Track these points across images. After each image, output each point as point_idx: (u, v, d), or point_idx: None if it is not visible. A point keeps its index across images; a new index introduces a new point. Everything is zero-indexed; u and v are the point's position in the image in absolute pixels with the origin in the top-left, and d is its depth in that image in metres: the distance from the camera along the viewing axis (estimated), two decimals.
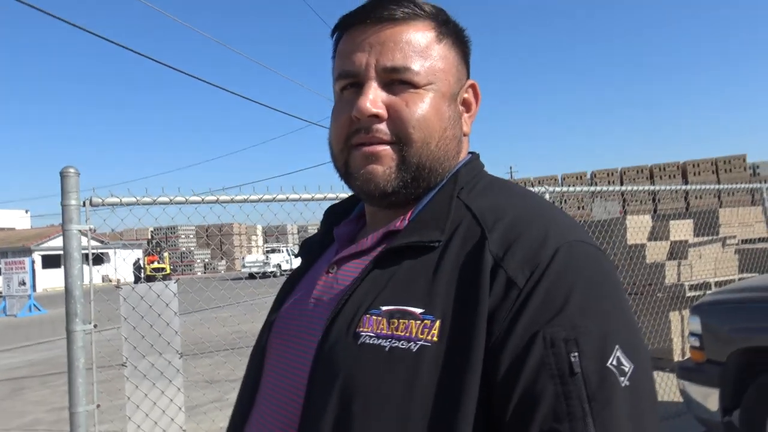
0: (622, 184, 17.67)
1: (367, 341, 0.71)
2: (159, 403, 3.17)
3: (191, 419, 4.83)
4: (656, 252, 6.87)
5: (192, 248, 45.83)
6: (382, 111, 0.80)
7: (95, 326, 2.88)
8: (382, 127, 0.80)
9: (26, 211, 52.84)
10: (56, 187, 2.77)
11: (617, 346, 0.64)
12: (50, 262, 36.38)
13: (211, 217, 3.89)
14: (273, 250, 35.14)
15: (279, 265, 32.27)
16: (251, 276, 27.17)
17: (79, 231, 2.85)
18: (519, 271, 0.67)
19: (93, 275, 3.02)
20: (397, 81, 0.80)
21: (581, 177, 19.10)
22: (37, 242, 35.77)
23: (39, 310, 20.47)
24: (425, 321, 0.69)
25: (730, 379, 3.48)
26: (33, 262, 22.29)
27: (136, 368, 3.13)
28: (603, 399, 0.61)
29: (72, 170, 2.85)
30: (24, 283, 20.95)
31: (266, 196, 3.57)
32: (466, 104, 0.89)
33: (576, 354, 0.62)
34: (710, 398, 3.53)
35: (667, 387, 5.51)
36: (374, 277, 0.77)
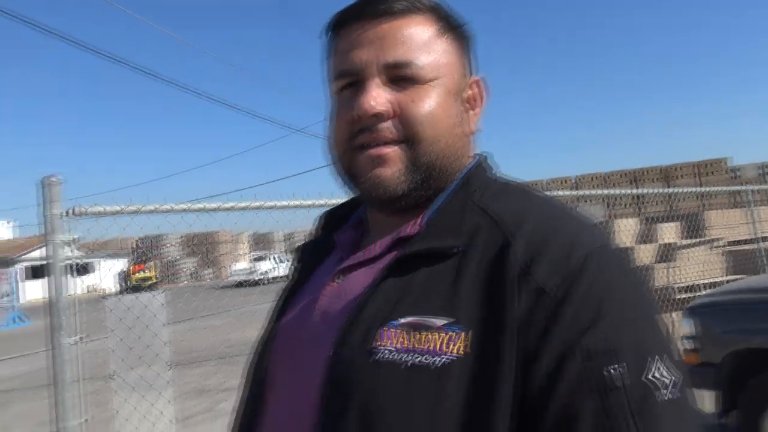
0: (606, 189, 17.74)
1: (386, 357, 0.65)
2: (149, 415, 3.10)
3: (182, 430, 4.75)
4: (645, 255, 6.89)
5: (178, 257, 45.49)
6: (387, 109, 0.75)
7: (81, 338, 2.81)
8: (388, 125, 0.76)
9: (8, 222, 52.21)
10: (40, 196, 2.70)
11: (657, 358, 0.60)
12: (35, 272, 35.90)
13: (198, 226, 3.83)
14: (260, 258, 34.93)
15: (266, 273, 32.08)
16: (239, 284, 27.03)
17: (63, 241, 2.78)
18: (548, 279, 0.63)
19: (77, 286, 2.95)
20: (400, 77, 0.76)
21: (566, 181, 19.18)
22: (20, 253, 35.28)
23: (24, 321, 20.16)
24: (450, 333, 0.64)
25: (725, 381, 3.47)
26: (16, 273, 21.98)
27: (124, 380, 3.06)
28: (647, 413, 0.57)
29: (55, 179, 2.79)
30: (8, 295, 20.64)
31: (253, 204, 3.52)
32: (471, 101, 0.85)
33: (616, 367, 0.58)
34: (706, 400, 3.51)
35: None
36: (388, 286, 0.71)
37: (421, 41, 0.77)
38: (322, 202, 3.66)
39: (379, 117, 0.75)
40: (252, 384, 0.85)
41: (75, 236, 2.85)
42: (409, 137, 0.76)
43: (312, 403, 0.70)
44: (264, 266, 32.74)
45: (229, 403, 6.51)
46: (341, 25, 0.81)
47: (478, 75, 0.87)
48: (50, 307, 2.76)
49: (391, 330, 0.67)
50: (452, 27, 0.82)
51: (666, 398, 0.59)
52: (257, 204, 3.49)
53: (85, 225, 3.12)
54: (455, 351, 0.63)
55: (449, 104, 0.79)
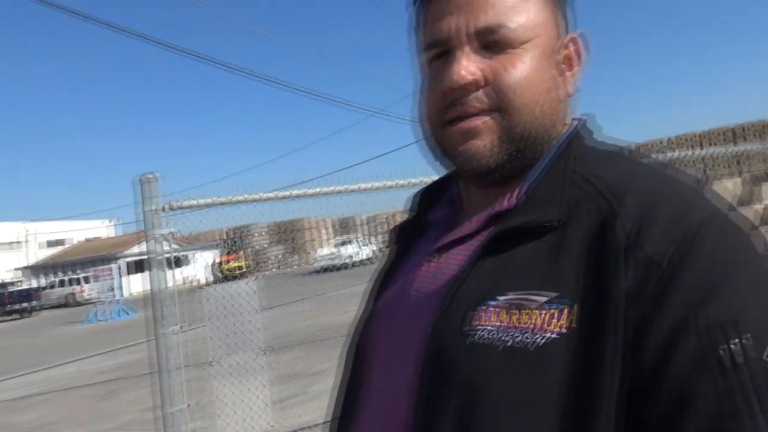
0: (701, 148, 16.77)
1: (484, 337, 0.63)
2: (246, 399, 3.20)
3: (277, 414, 4.90)
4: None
5: (266, 245, 46.96)
6: (478, 77, 0.71)
7: (181, 327, 2.93)
8: (479, 95, 0.71)
9: (110, 221, 55.87)
10: (137, 196, 2.82)
11: None
12: (137, 266, 38.23)
13: (283, 214, 3.89)
14: (344, 242, 35.44)
15: (351, 257, 32.57)
16: (324, 270, 27.61)
17: (162, 235, 2.89)
18: (659, 249, 0.58)
19: (174, 277, 3.07)
20: (491, 43, 0.71)
21: (658, 144, 18.22)
22: (122, 249, 37.59)
23: (128, 314, 21.49)
24: (552, 310, 0.60)
25: None
26: (119, 268, 23.42)
27: (222, 366, 3.18)
28: None
29: (151, 176, 2.90)
30: (112, 289, 22.05)
31: (337, 188, 3.53)
32: (567, 61, 0.78)
33: (736, 341, 0.53)
34: None
35: None
36: (486, 264, 0.68)
37: (511, 1, 0.72)
38: (404, 182, 3.63)
39: (468, 88, 0.71)
40: (351, 365, 0.86)
41: (172, 230, 2.95)
42: (501, 106, 0.71)
43: (410, 384, 0.69)
44: (348, 250, 33.23)
45: (319, 386, 6.67)
46: None
47: (575, 31, 0.80)
48: (152, 299, 2.88)
49: (490, 309, 0.64)
50: None
51: None
52: (341, 188, 3.51)
53: (180, 219, 3.24)
54: (557, 328, 0.60)
55: (543, 68, 0.73)
